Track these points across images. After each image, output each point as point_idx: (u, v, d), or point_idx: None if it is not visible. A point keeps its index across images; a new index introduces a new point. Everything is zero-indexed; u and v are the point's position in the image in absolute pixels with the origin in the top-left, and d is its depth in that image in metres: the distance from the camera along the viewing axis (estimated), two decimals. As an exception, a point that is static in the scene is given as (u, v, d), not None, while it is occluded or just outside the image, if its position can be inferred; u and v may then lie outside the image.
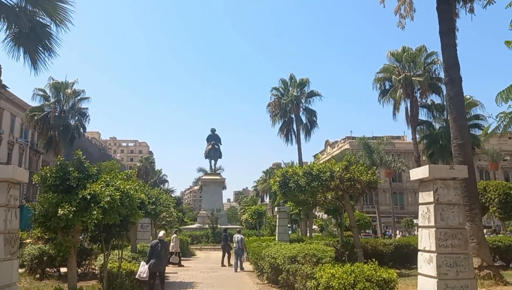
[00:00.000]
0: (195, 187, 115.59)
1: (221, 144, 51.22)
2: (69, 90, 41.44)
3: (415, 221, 54.47)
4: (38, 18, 12.00)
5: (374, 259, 8.11)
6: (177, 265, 20.67)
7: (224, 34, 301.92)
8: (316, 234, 34.95)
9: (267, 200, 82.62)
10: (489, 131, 9.15)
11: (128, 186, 8.59)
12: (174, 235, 22.71)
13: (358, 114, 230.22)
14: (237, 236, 20.19)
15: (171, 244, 21.16)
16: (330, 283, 7.84)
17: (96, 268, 13.69)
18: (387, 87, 37.74)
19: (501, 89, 8.47)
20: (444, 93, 31.71)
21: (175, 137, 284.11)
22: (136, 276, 11.78)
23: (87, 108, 42.84)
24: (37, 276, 14.75)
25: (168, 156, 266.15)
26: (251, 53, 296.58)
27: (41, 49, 12.11)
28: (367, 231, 44.49)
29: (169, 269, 17.36)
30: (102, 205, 7.55)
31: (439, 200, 6.26)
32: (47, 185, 8.02)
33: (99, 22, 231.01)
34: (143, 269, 12.04)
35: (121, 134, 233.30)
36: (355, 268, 7.78)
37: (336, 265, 8.51)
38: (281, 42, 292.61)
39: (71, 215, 7.23)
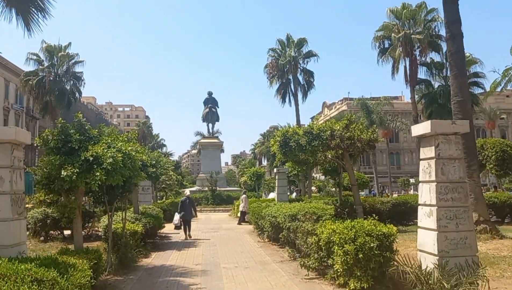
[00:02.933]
0: (193, 151, 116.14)
1: (218, 107, 51.05)
2: (63, 53, 40.71)
3: (411, 180, 55.22)
4: (29, -22, 11.61)
5: (374, 215, 8.25)
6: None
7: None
8: (314, 194, 35.45)
9: (265, 162, 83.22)
10: (495, 85, 9.09)
11: (129, 148, 8.59)
12: (244, 195, 24.80)
13: (356, 76, 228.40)
14: (243, 197, 24.15)
15: (241, 204, 23.71)
16: (331, 238, 8.02)
17: (100, 229, 13.93)
18: (386, 45, 37.24)
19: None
20: (444, 50, 31.47)
21: (172, 102, 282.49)
22: (172, 223, 18.70)
23: (82, 72, 42.33)
24: (41, 238, 15.03)
25: (165, 120, 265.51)
26: (247, 13, 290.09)
27: (34, 10, 11.77)
28: (364, 191, 45.09)
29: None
30: (104, 166, 7.57)
31: (440, 155, 6.31)
32: (49, 147, 7.99)
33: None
34: (176, 218, 18.25)
35: (117, 99, 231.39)
36: (355, 223, 7.92)
37: (336, 222, 8.67)
38: (278, 1, 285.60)
39: (75, 176, 7.25)
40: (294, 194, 30.58)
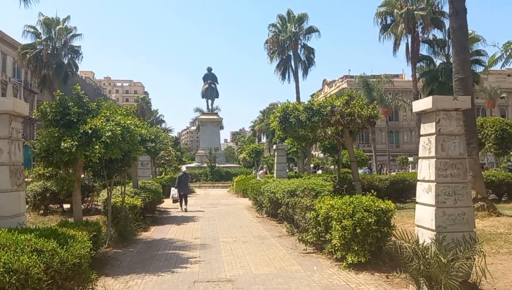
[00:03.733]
0: (192, 128, 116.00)
1: (218, 84, 50.67)
2: (60, 26, 40.10)
3: (410, 159, 55.36)
4: None
5: (373, 191, 8.28)
6: None
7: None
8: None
9: (264, 139, 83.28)
10: (493, 59, 8.98)
11: (128, 121, 8.54)
12: (261, 170, 27.86)
13: (357, 53, 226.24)
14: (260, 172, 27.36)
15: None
16: (329, 214, 8.07)
17: (99, 204, 14.01)
18: (389, 22, 36.75)
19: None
20: (447, 28, 31.03)
21: (171, 77, 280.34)
22: (170, 197, 19.88)
23: (79, 46, 41.83)
24: (41, 212, 15.12)
25: (165, 96, 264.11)
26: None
27: (30, -21, 11.51)
28: (362, 169, 45.24)
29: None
30: (103, 139, 7.53)
31: (440, 131, 6.25)
32: (47, 120, 7.94)
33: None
34: (174, 192, 19.60)
35: (116, 73, 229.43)
36: (354, 199, 7.96)
37: (335, 197, 8.71)
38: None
39: (74, 148, 7.23)
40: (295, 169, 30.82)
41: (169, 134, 68.22)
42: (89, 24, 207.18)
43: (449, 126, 6.27)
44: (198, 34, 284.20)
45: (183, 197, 18.51)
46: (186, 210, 17.79)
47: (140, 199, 12.79)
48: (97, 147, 7.43)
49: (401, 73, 72.49)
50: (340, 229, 7.55)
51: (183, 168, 20.50)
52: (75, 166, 8.38)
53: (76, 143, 7.35)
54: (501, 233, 10.01)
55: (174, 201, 19.72)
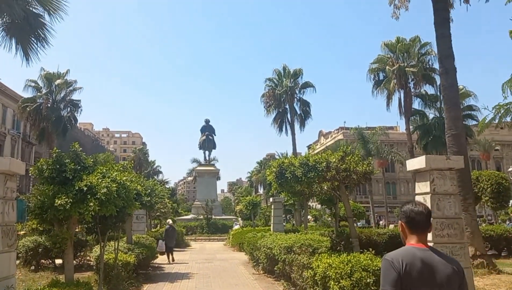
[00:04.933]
0: (189, 178, 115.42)
1: (215, 135, 51.24)
2: (61, 81, 40.97)
3: (408, 211, 54.84)
4: (31, 8, 11.82)
5: (370, 249, 8.17)
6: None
7: (216, 27, 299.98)
8: (310, 224, 35.16)
9: (261, 190, 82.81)
10: (485, 122, 9.20)
11: (124, 178, 8.55)
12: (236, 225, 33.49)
13: (351, 105, 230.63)
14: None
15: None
16: (327, 273, 7.90)
17: (91, 259, 13.69)
18: (381, 77, 37.81)
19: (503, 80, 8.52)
20: (438, 83, 31.97)
21: (169, 128, 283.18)
22: (157, 249, 18.85)
23: (79, 100, 42.51)
24: (32, 267, 14.72)
25: (162, 147, 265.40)
26: (243, 45, 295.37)
27: (33, 39, 11.94)
28: (360, 221, 44.80)
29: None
30: (99, 196, 7.51)
31: (435, 190, 6.31)
32: (43, 177, 7.95)
33: (92, 14, 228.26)
34: (161, 243, 19.97)
35: (114, 125, 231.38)
36: (352, 257, 7.82)
37: (332, 255, 8.56)
38: (273, 33, 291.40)
39: (68, 206, 7.19)
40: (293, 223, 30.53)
41: (166, 185, 67.84)
42: (89, 75, 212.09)
43: (443, 185, 6.32)
44: (196, 85, 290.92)
45: (169, 249, 19.56)
46: (173, 260, 19.04)
47: (133, 256, 12.51)
48: (91, 204, 7.40)
49: (395, 125, 73.60)
50: (338, 289, 7.37)
51: (169, 221, 21.61)
52: (69, 223, 8.29)
53: (71, 200, 7.32)
54: (503, 292, 9.77)
55: (161, 253, 19.92)
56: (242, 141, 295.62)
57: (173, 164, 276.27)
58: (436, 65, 30.28)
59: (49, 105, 40.06)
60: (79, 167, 8.21)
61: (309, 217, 38.59)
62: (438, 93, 33.30)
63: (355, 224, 18.60)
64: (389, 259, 2.63)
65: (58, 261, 14.93)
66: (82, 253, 15.72)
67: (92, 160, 8.76)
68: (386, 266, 2.62)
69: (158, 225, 34.59)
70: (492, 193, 18.59)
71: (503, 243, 18.29)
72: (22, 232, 17.29)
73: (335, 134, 75.13)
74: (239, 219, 38.76)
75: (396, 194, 69.59)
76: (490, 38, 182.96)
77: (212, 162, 52.98)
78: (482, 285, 10.39)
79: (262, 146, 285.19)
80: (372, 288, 7.03)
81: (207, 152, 50.62)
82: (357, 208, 27.45)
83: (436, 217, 6.21)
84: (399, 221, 2.87)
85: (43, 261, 15.31)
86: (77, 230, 12.61)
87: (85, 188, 7.56)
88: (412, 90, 36.13)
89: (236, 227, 34.89)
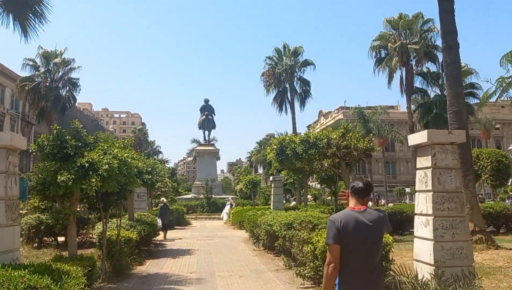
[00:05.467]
0: (189, 158, 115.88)
1: (214, 115, 51.09)
2: (59, 59, 40.60)
3: (407, 189, 55.30)
4: (27, -18, 11.60)
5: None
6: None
7: (216, 4, 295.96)
8: (310, 203, 35.43)
9: (261, 170, 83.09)
10: (488, 95, 9.15)
11: (125, 154, 8.54)
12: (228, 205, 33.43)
13: (352, 84, 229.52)
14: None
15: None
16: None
17: (94, 236, 13.82)
18: (383, 55, 37.48)
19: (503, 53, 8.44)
20: (440, 60, 31.70)
21: (168, 108, 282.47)
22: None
23: (78, 78, 42.18)
24: (35, 245, 14.86)
25: (161, 127, 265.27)
26: (244, 22, 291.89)
27: (31, 15, 11.75)
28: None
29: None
30: (100, 173, 7.51)
31: (436, 164, 6.31)
32: (44, 153, 7.93)
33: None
34: (159, 221, 19.49)
35: (113, 105, 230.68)
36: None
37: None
38: (274, 10, 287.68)
39: (71, 182, 7.20)
40: (293, 203, 30.58)
41: (166, 165, 67.98)
42: (88, 55, 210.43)
43: (444, 159, 6.32)
44: (196, 65, 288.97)
45: (164, 226, 20.03)
46: (165, 237, 19.64)
47: (135, 232, 12.63)
48: (93, 180, 7.40)
49: (396, 104, 73.43)
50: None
51: (163, 199, 22.61)
52: (71, 199, 8.32)
53: (73, 176, 7.32)
54: (501, 267, 9.89)
55: (160, 229, 20.29)
56: (241, 122, 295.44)
57: (173, 145, 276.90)
58: (439, 42, 30.09)
59: (47, 84, 39.82)
60: (80, 144, 8.18)
61: (308, 196, 38.87)
62: (440, 71, 33.11)
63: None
64: (332, 219, 3.40)
65: (61, 239, 15.09)
66: (84, 231, 15.87)
67: (93, 137, 8.74)
68: (329, 224, 3.37)
69: (159, 204, 34.87)
70: (492, 171, 18.65)
71: (502, 220, 18.44)
72: (24, 211, 17.42)
73: (335, 114, 74.99)
74: (230, 199, 37.34)
75: (396, 173, 69.92)
76: (495, 13, 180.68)
77: (212, 142, 52.98)
78: (481, 260, 10.52)
79: (261, 127, 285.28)
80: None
81: (206, 132, 50.61)
82: (357, 186, 27.55)
83: (436, 191, 6.24)
84: (347, 190, 3.76)
85: (45, 238, 15.44)
86: (78, 209, 12.74)
87: (86, 165, 7.55)
88: (414, 67, 35.86)
89: (227, 207, 33.69)
